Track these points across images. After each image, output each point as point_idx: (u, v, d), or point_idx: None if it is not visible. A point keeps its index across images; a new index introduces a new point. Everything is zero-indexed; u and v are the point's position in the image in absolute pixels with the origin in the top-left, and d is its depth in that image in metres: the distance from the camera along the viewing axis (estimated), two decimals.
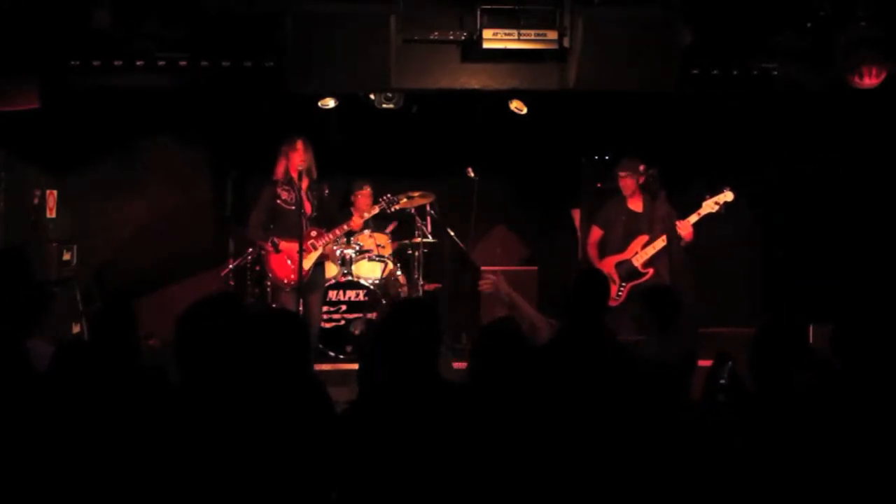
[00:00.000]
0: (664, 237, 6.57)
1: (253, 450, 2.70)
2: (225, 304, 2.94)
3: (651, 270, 6.70)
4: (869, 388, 3.04)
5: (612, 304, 6.44)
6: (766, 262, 8.41)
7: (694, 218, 6.62)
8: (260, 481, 2.69)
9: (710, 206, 6.62)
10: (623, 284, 6.74)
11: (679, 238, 6.56)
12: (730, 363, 3.78)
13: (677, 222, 6.56)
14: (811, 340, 4.85)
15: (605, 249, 6.92)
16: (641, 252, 6.71)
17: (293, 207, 6.36)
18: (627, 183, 6.79)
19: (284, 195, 6.40)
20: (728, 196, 6.60)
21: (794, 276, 7.98)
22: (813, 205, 8.08)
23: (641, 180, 6.74)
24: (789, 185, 8.17)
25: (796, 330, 3.20)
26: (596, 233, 6.97)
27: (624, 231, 6.82)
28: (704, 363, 4.26)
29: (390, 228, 7.85)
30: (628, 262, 6.74)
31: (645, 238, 6.71)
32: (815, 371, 3.21)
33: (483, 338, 3.06)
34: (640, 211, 6.80)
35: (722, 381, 3.76)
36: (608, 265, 6.78)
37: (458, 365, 5.92)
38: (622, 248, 6.79)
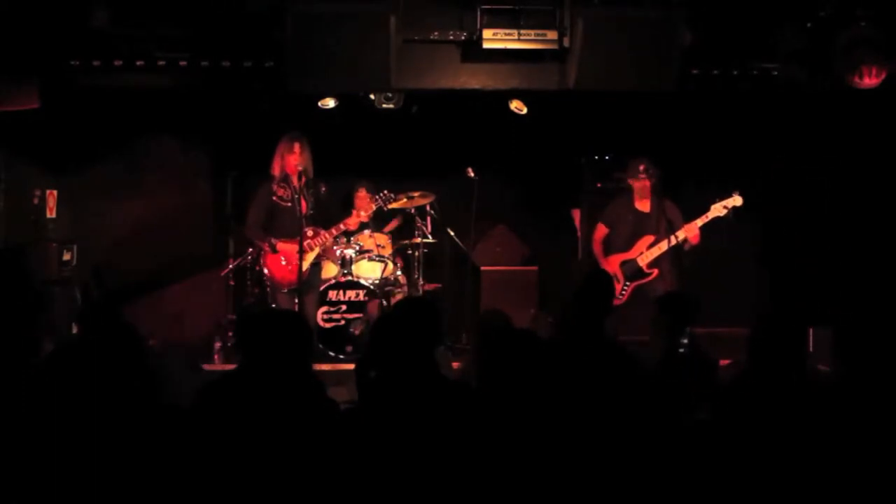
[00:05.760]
0: (670, 238, 6.56)
1: (255, 449, 2.70)
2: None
3: (656, 271, 6.70)
4: (868, 392, 3.04)
5: (616, 303, 6.45)
6: (767, 262, 8.39)
7: (701, 221, 6.61)
8: (263, 481, 2.69)
9: (718, 209, 6.61)
10: (627, 284, 6.74)
11: (685, 241, 6.56)
12: (688, 329, 3.85)
13: (684, 225, 6.55)
14: (811, 344, 4.86)
15: (609, 247, 6.91)
16: (647, 252, 6.70)
17: (290, 205, 6.38)
18: (644, 184, 6.74)
19: (281, 192, 6.43)
20: (737, 200, 6.60)
21: (794, 277, 7.97)
22: (813, 205, 8.06)
23: (654, 180, 6.71)
24: (789, 185, 8.15)
25: (793, 328, 3.21)
26: (601, 230, 6.97)
27: (630, 230, 6.81)
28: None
29: (391, 226, 7.84)
30: (633, 261, 6.74)
31: (651, 238, 6.71)
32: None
33: (483, 334, 3.06)
34: (648, 211, 6.79)
35: (682, 350, 3.82)
36: (613, 263, 6.78)
37: (458, 365, 5.92)
38: (627, 247, 6.79)
